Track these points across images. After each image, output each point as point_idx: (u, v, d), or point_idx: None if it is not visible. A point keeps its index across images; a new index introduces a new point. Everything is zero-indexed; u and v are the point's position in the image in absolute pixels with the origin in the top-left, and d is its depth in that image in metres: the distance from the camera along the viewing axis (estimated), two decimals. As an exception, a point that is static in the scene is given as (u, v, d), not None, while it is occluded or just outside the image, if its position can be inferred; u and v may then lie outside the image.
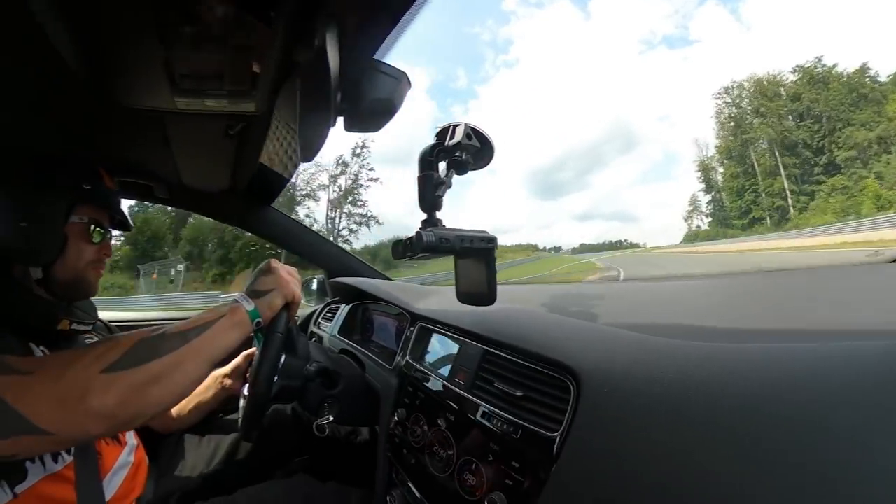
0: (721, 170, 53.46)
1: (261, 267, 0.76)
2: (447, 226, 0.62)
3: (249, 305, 0.68)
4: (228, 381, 1.05)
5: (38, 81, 0.65)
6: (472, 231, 0.64)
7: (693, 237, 55.62)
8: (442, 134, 0.64)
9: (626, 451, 0.42)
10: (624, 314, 0.75)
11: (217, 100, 0.71)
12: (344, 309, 1.29)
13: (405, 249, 0.60)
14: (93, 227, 0.78)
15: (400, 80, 0.60)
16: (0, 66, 0.60)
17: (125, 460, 0.80)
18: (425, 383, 0.81)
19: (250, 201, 1.25)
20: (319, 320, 1.44)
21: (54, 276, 0.75)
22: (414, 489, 0.74)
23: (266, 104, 0.72)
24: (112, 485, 0.75)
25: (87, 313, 0.83)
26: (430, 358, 0.86)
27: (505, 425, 0.60)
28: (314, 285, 1.53)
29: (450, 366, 0.77)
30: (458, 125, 0.62)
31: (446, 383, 0.75)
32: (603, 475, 0.43)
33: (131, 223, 0.88)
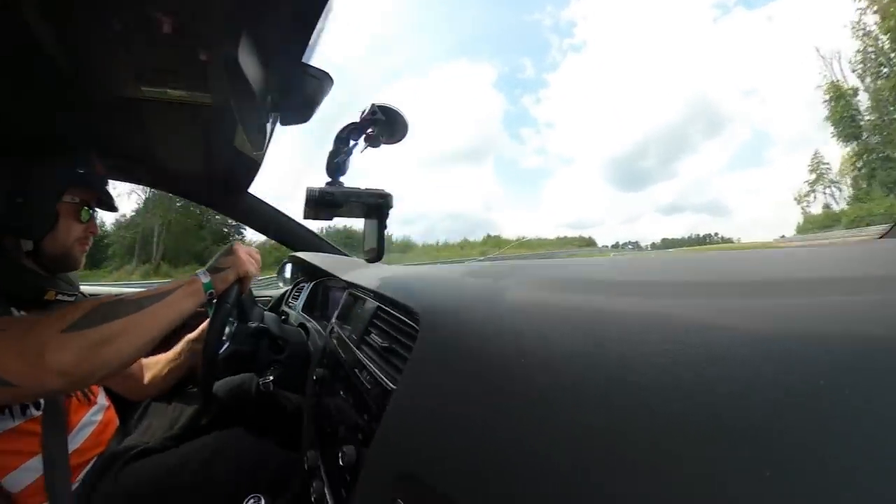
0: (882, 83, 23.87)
1: (224, 247, 0.88)
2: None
3: (206, 278, 0.79)
4: (199, 346, 1.13)
5: (32, 77, 0.78)
6: (366, 189, 0.71)
7: (829, 221, 27.71)
8: (362, 113, 0.72)
9: (450, 393, 0.39)
10: (534, 275, 0.64)
11: (178, 91, 0.84)
12: (308, 287, 1.41)
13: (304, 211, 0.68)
14: (83, 207, 0.89)
15: (322, 80, 0.71)
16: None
17: (91, 419, 0.87)
18: (339, 345, 0.83)
19: (226, 186, 1.37)
20: (289, 300, 1.56)
21: (44, 249, 0.85)
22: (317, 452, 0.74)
23: (222, 97, 0.84)
24: (76, 439, 0.81)
25: (71, 285, 0.92)
26: (350, 322, 0.88)
27: (367, 377, 0.60)
28: (287, 269, 1.65)
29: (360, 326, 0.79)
30: (370, 105, 0.70)
31: (347, 342, 0.77)
32: (422, 421, 0.41)
33: (116, 206, 0.98)
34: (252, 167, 1.30)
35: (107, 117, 0.96)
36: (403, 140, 0.73)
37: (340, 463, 0.50)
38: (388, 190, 0.72)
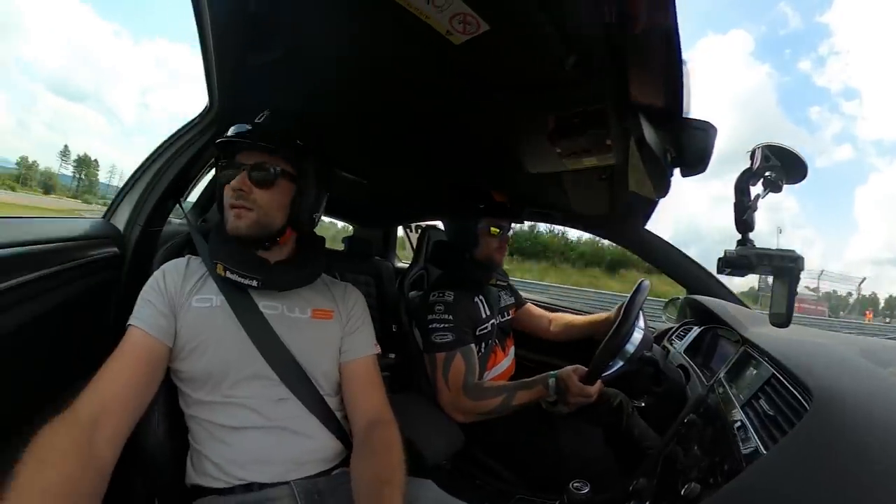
0: None
1: (560, 373, 1.13)
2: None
3: (553, 395, 1.12)
4: (601, 330, 1.40)
5: (492, 159, 1.28)
6: (777, 251, 0.68)
7: None
8: (752, 157, 0.72)
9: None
10: None
11: (591, 160, 1.11)
12: (695, 331, 1.38)
13: (717, 266, 0.73)
14: (490, 227, 1.38)
15: (707, 130, 0.76)
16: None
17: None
18: (722, 400, 0.86)
19: (625, 223, 1.57)
20: (672, 337, 1.56)
21: (475, 257, 1.40)
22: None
23: (622, 158, 1.04)
24: None
25: (502, 276, 1.52)
26: (739, 381, 0.89)
27: (743, 435, 0.65)
28: (676, 304, 1.66)
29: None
30: (756, 148, 0.70)
31: (733, 400, 0.80)
32: (788, 490, 0.45)
33: (522, 220, 1.51)
34: (650, 207, 1.43)
35: (536, 181, 1.38)
36: (805, 179, 0.68)
37: (681, 493, 0.59)
38: (797, 252, 0.68)
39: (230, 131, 0.84)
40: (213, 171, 1.47)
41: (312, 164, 0.87)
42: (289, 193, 0.84)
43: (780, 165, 0.67)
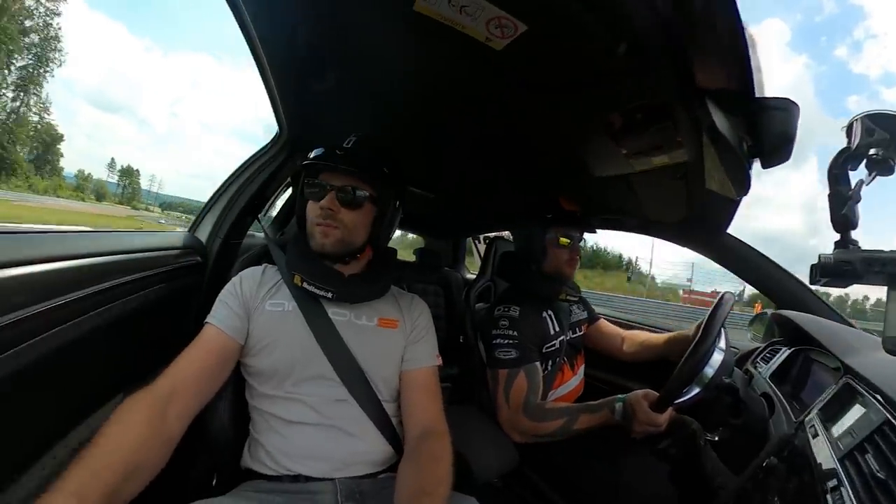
0: None
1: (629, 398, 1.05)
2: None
3: (619, 416, 1.05)
4: (676, 349, 1.30)
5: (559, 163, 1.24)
6: (890, 253, 0.54)
7: None
8: (848, 133, 0.58)
9: None
10: None
11: (660, 159, 1.02)
12: (784, 353, 1.18)
13: (811, 275, 0.58)
14: (559, 238, 1.30)
15: (788, 109, 0.66)
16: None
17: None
18: (811, 445, 0.66)
19: (704, 227, 1.41)
20: (758, 360, 1.35)
21: (543, 269, 1.32)
22: None
23: (695, 153, 0.94)
24: None
25: (573, 290, 1.38)
26: (837, 422, 0.68)
27: (838, 498, 0.49)
28: (763, 320, 1.44)
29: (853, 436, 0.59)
30: (854, 120, 0.56)
31: (827, 448, 0.60)
32: None
33: (594, 229, 1.40)
34: (730, 209, 1.28)
35: (605, 186, 1.30)
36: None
37: None
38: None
39: (313, 154, 0.90)
40: (289, 191, 1.62)
41: (393, 188, 0.94)
42: (371, 214, 0.91)
43: (888, 138, 0.54)
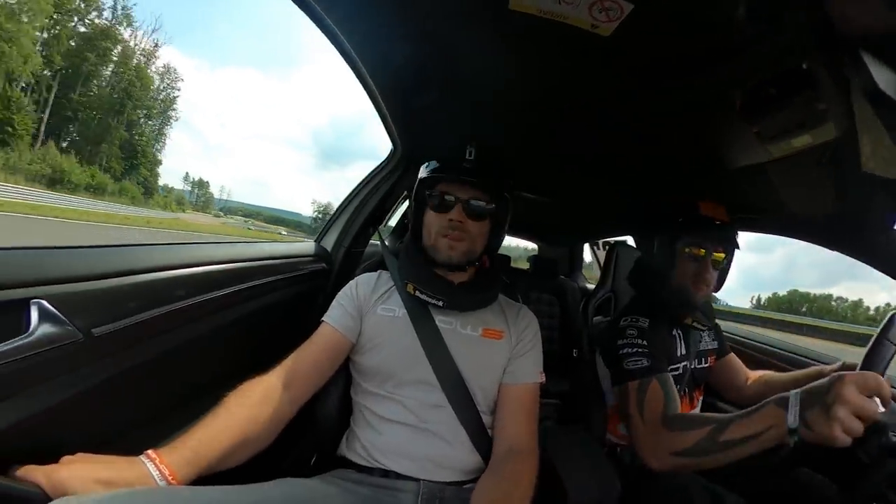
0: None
1: (825, 379, 0.70)
2: None
3: (794, 423, 0.68)
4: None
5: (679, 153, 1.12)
6: None
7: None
8: None
9: None
10: None
11: (801, 137, 0.88)
12: None
13: None
14: (691, 249, 1.08)
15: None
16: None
17: None
18: None
19: (866, 224, 1.17)
20: None
21: (670, 283, 1.11)
22: None
23: (846, 125, 0.80)
24: None
25: (706, 316, 1.15)
26: None
27: None
28: None
29: None
30: None
31: None
32: None
33: (736, 242, 1.13)
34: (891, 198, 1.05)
35: (733, 181, 1.14)
36: None
37: None
38: None
39: (434, 166, 0.95)
40: (406, 203, 1.70)
41: (508, 197, 0.97)
42: (489, 224, 0.95)
43: None
